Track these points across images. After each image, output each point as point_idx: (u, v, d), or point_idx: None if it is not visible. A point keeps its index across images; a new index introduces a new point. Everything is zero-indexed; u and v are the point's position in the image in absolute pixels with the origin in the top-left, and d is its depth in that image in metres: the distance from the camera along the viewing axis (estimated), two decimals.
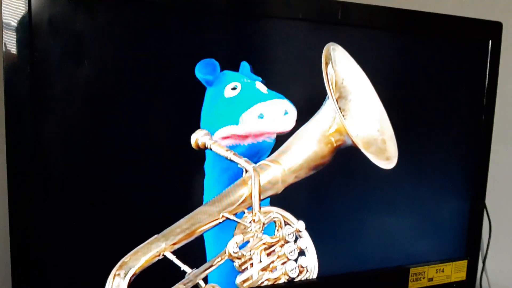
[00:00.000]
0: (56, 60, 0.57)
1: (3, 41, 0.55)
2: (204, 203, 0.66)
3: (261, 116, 0.67)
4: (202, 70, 0.64)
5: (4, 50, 0.55)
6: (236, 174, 0.68)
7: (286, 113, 0.69)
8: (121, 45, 0.60)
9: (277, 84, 0.69)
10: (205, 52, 0.64)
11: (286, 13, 0.68)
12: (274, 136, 0.69)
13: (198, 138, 0.63)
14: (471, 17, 0.80)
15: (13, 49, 0.55)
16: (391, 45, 0.76)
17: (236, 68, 0.67)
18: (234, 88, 0.67)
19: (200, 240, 0.66)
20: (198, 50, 0.64)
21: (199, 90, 0.65)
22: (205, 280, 0.64)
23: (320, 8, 0.70)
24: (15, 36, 0.55)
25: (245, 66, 0.67)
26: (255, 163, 0.68)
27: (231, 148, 0.67)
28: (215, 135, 0.66)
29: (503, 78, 0.85)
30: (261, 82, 0.69)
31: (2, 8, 0.54)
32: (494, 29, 0.82)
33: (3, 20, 0.54)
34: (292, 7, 0.68)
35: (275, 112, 0.68)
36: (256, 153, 0.69)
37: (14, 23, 0.55)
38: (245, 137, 0.68)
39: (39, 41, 0.56)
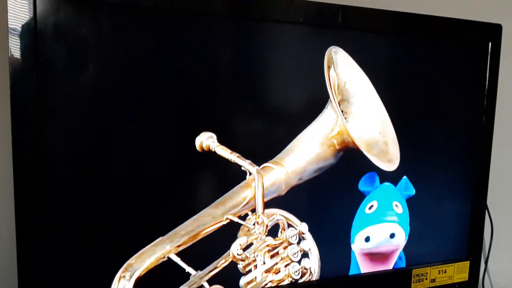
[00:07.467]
0: (61, 65, 0.58)
1: (9, 47, 0.55)
2: None
3: (367, 240, 0.75)
4: (364, 183, 0.73)
5: (9, 55, 0.55)
6: None
7: (392, 235, 0.75)
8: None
9: (276, 84, 0.69)
10: None
11: (286, 17, 0.69)
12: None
13: (202, 141, 0.64)
14: (471, 20, 0.80)
15: (18, 54, 0.55)
16: (391, 48, 0.77)
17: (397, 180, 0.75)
18: (371, 207, 0.74)
19: None
20: None
21: None
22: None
23: (321, 11, 0.71)
24: (21, 42, 0.55)
25: (403, 181, 0.76)
26: None
27: None
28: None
29: (503, 80, 0.85)
30: (407, 196, 0.77)
31: (8, 13, 0.55)
32: (494, 31, 0.82)
33: (9, 25, 0.55)
34: (291, 11, 0.68)
35: (380, 235, 0.75)
36: None
37: (19, 29, 0.55)
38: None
39: (44, 46, 0.57)
